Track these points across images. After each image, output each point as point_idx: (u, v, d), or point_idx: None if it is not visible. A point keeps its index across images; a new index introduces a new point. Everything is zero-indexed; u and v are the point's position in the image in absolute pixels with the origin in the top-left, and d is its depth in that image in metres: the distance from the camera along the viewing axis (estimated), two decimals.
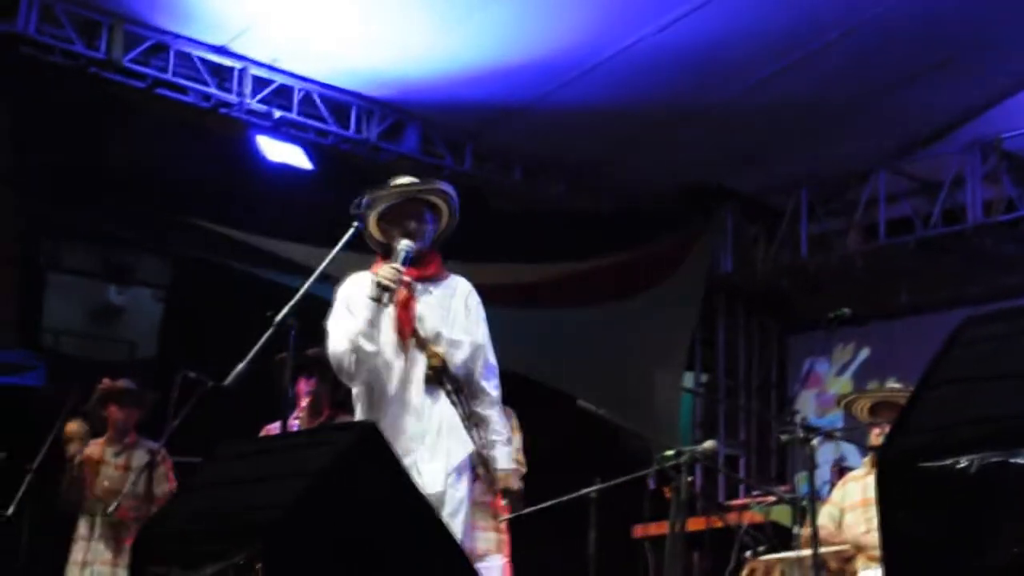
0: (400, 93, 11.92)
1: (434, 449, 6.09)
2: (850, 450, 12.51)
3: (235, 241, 11.52)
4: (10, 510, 8.36)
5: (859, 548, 8.05)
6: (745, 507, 9.76)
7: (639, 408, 12.64)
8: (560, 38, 11.14)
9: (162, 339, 12.03)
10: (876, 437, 8.17)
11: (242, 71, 11.37)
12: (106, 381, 9.22)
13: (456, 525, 6.07)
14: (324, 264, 6.22)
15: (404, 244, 6.13)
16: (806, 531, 7.75)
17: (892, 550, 3.58)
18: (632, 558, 9.31)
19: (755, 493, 10.25)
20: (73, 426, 8.98)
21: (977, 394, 3.58)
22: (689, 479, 7.91)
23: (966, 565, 3.38)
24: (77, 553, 9.03)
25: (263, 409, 7.36)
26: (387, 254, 6.26)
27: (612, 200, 13.78)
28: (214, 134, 11.63)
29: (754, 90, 11.88)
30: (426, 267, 6.31)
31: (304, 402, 8.13)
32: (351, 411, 7.19)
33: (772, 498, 9.44)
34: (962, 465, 3.37)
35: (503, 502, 6.40)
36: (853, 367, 14.09)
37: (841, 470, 9.49)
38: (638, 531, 10.03)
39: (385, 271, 6.05)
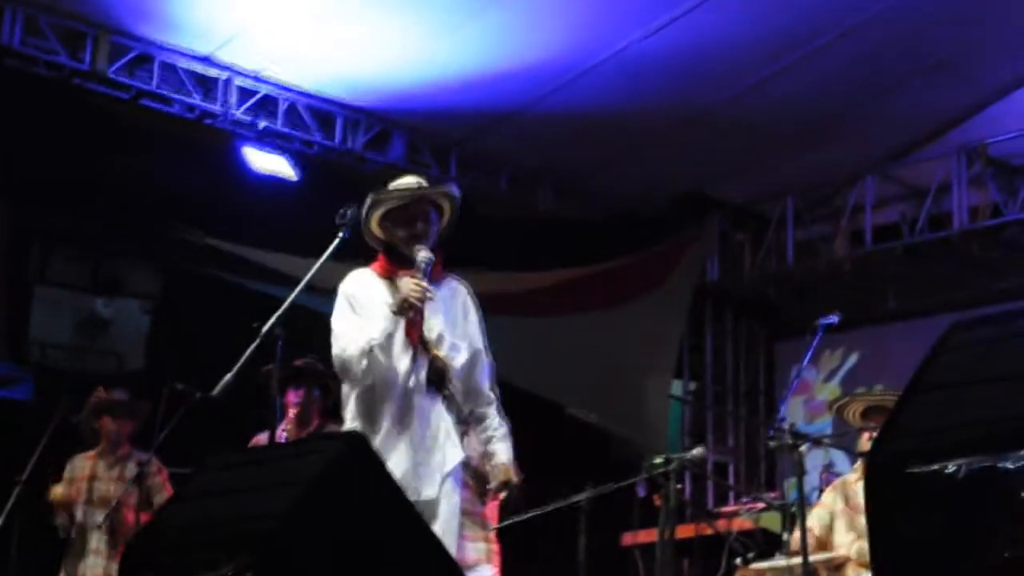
0: (385, 102, 11.92)
1: (431, 453, 6.09)
2: (839, 456, 12.52)
3: (221, 252, 11.51)
4: None
5: (848, 556, 8.05)
6: (734, 514, 9.77)
7: (628, 416, 12.64)
8: (546, 45, 11.15)
9: (149, 351, 12.00)
10: (866, 442, 8.18)
11: (227, 81, 11.37)
12: (99, 392, 9.21)
13: (451, 531, 6.08)
14: (310, 274, 6.21)
15: (424, 256, 6.09)
16: (795, 537, 7.74)
17: (881, 556, 3.59)
18: (622, 566, 9.32)
19: (744, 500, 10.26)
20: (58, 492, 8.99)
21: (965, 399, 3.59)
22: (678, 486, 7.92)
23: (956, 570, 3.38)
24: (71, 567, 9.01)
25: (252, 420, 7.36)
26: (388, 252, 6.24)
27: (599, 208, 13.79)
28: (199, 145, 11.62)
29: (740, 97, 11.89)
30: (435, 272, 6.31)
31: (292, 413, 8.13)
32: (340, 421, 7.18)
33: (761, 505, 9.45)
34: (951, 470, 3.37)
35: (502, 496, 6.38)
36: (841, 373, 14.11)
37: (830, 475, 9.49)
38: (627, 539, 10.03)
39: (410, 288, 5.99)
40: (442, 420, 6.16)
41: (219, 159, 11.65)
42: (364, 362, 6.04)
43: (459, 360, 6.24)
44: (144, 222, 11.39)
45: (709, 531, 9.18)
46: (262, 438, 7.54)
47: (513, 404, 7.64)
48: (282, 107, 11.71)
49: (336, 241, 6.19)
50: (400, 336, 6.06)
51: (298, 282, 6.22)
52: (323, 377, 8.03)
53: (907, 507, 3.49)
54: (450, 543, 6.05)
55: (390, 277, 6.20)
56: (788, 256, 14.01)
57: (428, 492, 6.01)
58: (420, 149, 12.47)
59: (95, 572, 8.93)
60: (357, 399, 6.17)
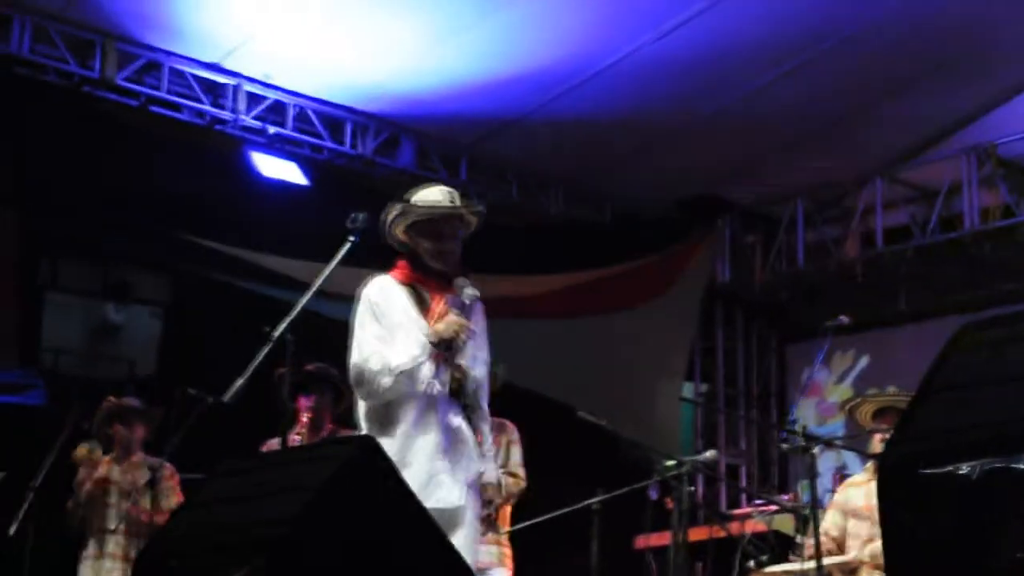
0: (395, 107, 11.92)
1: (456, 461, 6.09)
2: (851, 458, 12.51)
3: (232, 257, 11.52)
4: (12, 529, 8.35)
5: (862, 559, 8.04)
6: (747, 516, 9.74)
7: (640, 419, 12.64)
8: (554, 50, 11.15)
9: (161, 356, 12.02)
10: (878, 443, 8.17)
11: (236, 87, 11.39)
12: (111, 399, 9.22)
13: (474, 538, 6.10)
14: (321, 279, 6.20)
15: (470, 293, 6.10)
16: (809, 540, 7.73)
17: (894, 556, 3.58)
18: (635, 569, 9.29)
19: (757, 502, 10.24)
20: (82, 450, 9.00)
21: (976, 400, 3.58)
22: (691, 489, 7.91)
23: (968, 570, 3.37)
24: (86, 572, 9.02)
25: (263, 425, 7.36)
26: (411, 260, 6.23)
27: (609, 211, 13.79)
28: (209, 151, 11.63)
29: (749, 99, 11.89)
30: (454, 279, 6.31)
31: (305, 417, 8.12)
32: (352, 426, 7.17)
33: (774, 507, 9.43)
34: (963, 471, 3.37)
35: (484, 512, 6.38)
36: (853, 375, 14.09)
37: (843, 478, 9.48)
38: (640, 542, 10.00)
39: (455, 328, 6.00)
40: (463, 428, 6.17)
41: (229, 165, 11.67)
42: (386, 381, 6.01)
43: (479, 370, 6.26)
44: (154, 228, 11.40)
45: (722, 534, 9.15)
46: (274, 443, 7.55)
47: (524, 407, 7.66)
48: (291, 113, 11.72)
49: (346, 246, 6.19)
50: (419, 337, 6.06)
51: (308, 287, 6.21)
52: (335, 382, 8.04)
53: (920, 508, 3.48)
54: (471, 551, 6.06)
55: (412, 284, 6.20)
56: (799, 258, 14.00)
57: (455, 499, 6.02)
58: (429, 154, 12.47)
59: (111, 575, 8.94)
60: (375, 406, 6.16)
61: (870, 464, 8.52)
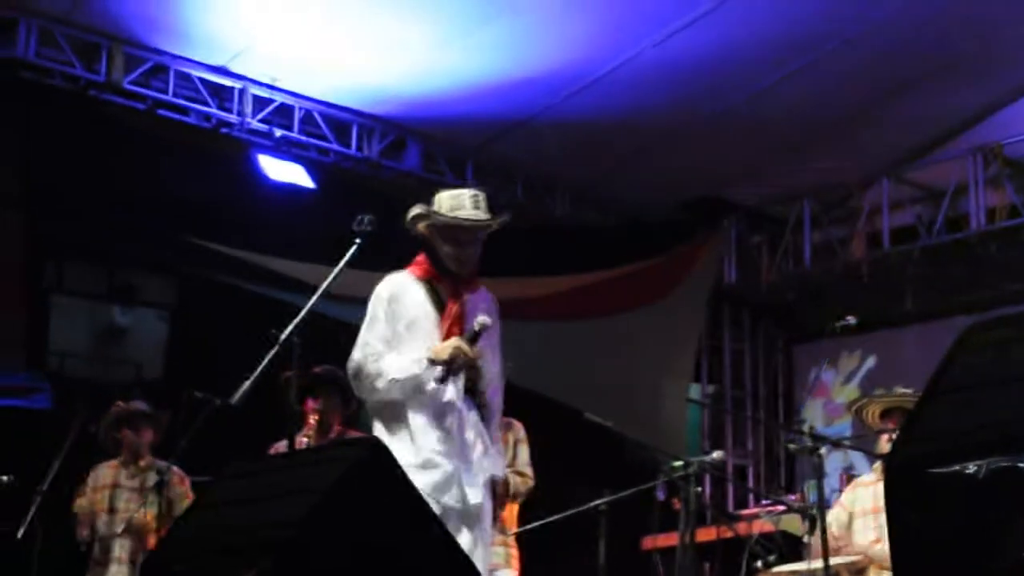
0: (401, 110, 11.93)
1: (472, 460, 6.10)
2: (858, 458, 12.51)
3: (238, 260, 11.52)
4: (20, 532, 8.35)
5: (870, 559, 8.04)
6: (755, 517, 9.76)
7: (646, 420, 12.64)
8: (560, 53, 11.15)
9: (168, 359, 12.03)
10: (885, 444, 8.18)
11: (242, 91, 11.40)
12: (119, 404, 9.22)
13: (488, 537, 6.13)
14: (327, 282, 6.21)
15: (482, 320, 6.11)
16: (816, 540, 7.73)
17: (901, 556, 3.59)
18: (642, 570, 9.32)
19: (764, 502, 10.25)
20: (82, 504, 9.01)
21: (983, 399, 3.59)
22: (698, 489, 7.92)
23: (975, 570, 3.38)
24: None
25: (271, 427, 7.36)
26: (430, 254, 6.24)
27: (615, 213, 13.80)
28: (215, 154, 11.65)
29: (755, 100, 11.89)
30: (471, 281, 6.32)
31: (313, 420, 8.12)
32: (361, 428, 7.19)
33: (782, 507, 9.44)
34: (970, 470, 3.37)
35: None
36: (859, 375, 14.09)
37: (850, 478, 9.47)
38: (647, 543, 10.02)
39: (452, 353, 5.99)
40: (479, 428, 6.18)
41: (235, 168, 11.68)
42: (380, 384, 6.06)
43: (492, 369, 6.27)
44: (161, 231, 11.41)
45: (729, 534, 9.16)
46: (281, 446, 7.55)
47: (531, 409, 7.66)
48: (298, 116, 11.73)
49: (353, 248, 6.20)
50: (436, 335, 6.06)
51: (315, 290, 6.22)
52: (343, 384, 8.03)
53: (926, 508, 3.49)
54: (488, 550, 6.08)
55: (429, 280, 6.22)
56: (805, 259, 14.00)
57: (473, 498, 6.04)
58: (435, 157, 12.48)
59: None
60: (385, 408, 6.17)
61: (878, 464, 8.52)
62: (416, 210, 6.20)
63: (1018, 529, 3.29)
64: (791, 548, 8.47)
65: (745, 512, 10.94)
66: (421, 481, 5.80)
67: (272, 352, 6.00)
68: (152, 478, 9.08)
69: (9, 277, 11.31)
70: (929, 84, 11.95)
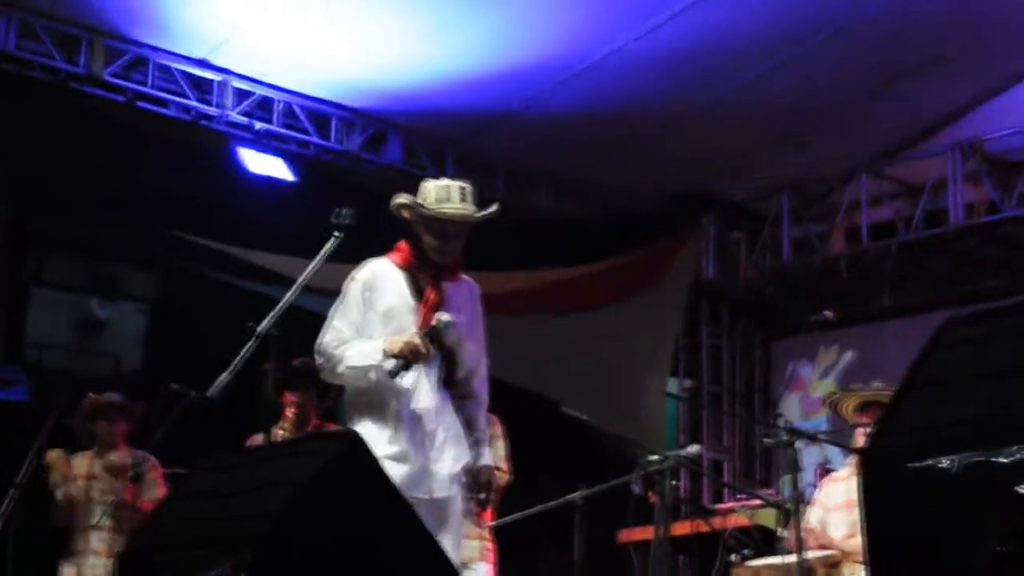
0: (381, 103, 11.93)
1: (443, 451, 6.10)
2: (834, 453, 12.52)
3: (218, 253, 11.51)
4: None
5: (844, 553, 8.06)
6: (730, 511, 9.77)
7: (624, 414, 12.64)
8: (542, 45, 11.15)
9: (146, 352, 12.01)
10: (860, 438, 8.20)
11: (222, 83, 11.38)
12: (91, 396, 9.20)
13: (459, 531, 6.15)
14: (306, 274, 6.21)
15: (445, 320, 6.09)
16: (791, 534, 7.75)
17: (876, 551, 3.60)
18: (618, 563, 9.32)
19: (740, 497, 10.27)
20: (52, 455, 8.98)
21: (959, 394, 3.59)
22: (674, 484, 7.92)
23: (950, 564, 3.39)
24: (70, 567, 9.01)
25: (248, 420, 7.36)
26: (412, 242, 6.24)
27: (595, 208, 13.80)
28: (195, 147, 11.63)
29: (735, 95, 11.90)
30: (453, 271, 6.32)
31: (290, 413, 8.12)
32: (338, 422, 7.18)
33: (757, 501, 9.46)
34: (945, 465, 3.38)
35: (481, 496, 6.37)
36: (837, 370, 14.11)
37: (825, 472, 9.50)
38: (623, 536, 10.02)
39: (402, 348, 5.97)
40: (453, 419, 6.18)
41: (215, 161, 11.67)
42: (340, 368, 6.09)
43: (470, 360, 6.27)
44: (140, 223, 11.39)
45: (705, 528, 9.18)
46: (258, 438, 7.55)
47: (508, 403, 7.66)
48: (278, 109, 11.72)
49: (332, 242, 6.19)
50: (413, 325, 6.06)
51: (294, 282, 6.22)
52: (320, 376, 8.03)
53: (902, 502, 3.50)
54: (458, 543, 6.09)
55: (409, 268, 6.22)
56: (784, 254, 14.02)
57: (440, 491, 6.04)
58: (416, 150, 12.47)
59: (95, 572, 8.94)
60: (361, 396, 6.17)
61: (851, 459, 8.55)
62: (401, 199, 6.19)
63: (992, 524, 3.30)
64: (766, 542, 8.48)
65: (721, 506, 10.96)
66: (393, 473, 5.80)
67: (250, 345, 6.00)
68: (128, 469, 9.08)
69: None
70: (909, 80, 11.98)
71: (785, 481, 8.08)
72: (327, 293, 6.48)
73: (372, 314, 6.13)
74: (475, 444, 6.28)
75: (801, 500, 7.98)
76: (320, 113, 11.97)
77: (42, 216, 11.37)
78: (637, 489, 8.14)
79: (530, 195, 13.27)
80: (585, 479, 8.76)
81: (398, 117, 12.18)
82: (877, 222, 13.48)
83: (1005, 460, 3.30)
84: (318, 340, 6.18)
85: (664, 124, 12.25)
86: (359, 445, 4.75)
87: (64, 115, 10.99)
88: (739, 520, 9.18)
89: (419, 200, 6.19)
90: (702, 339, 14.98)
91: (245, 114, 11.53)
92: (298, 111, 11.85)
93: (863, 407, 8.32)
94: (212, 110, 11.37)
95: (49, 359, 11.64)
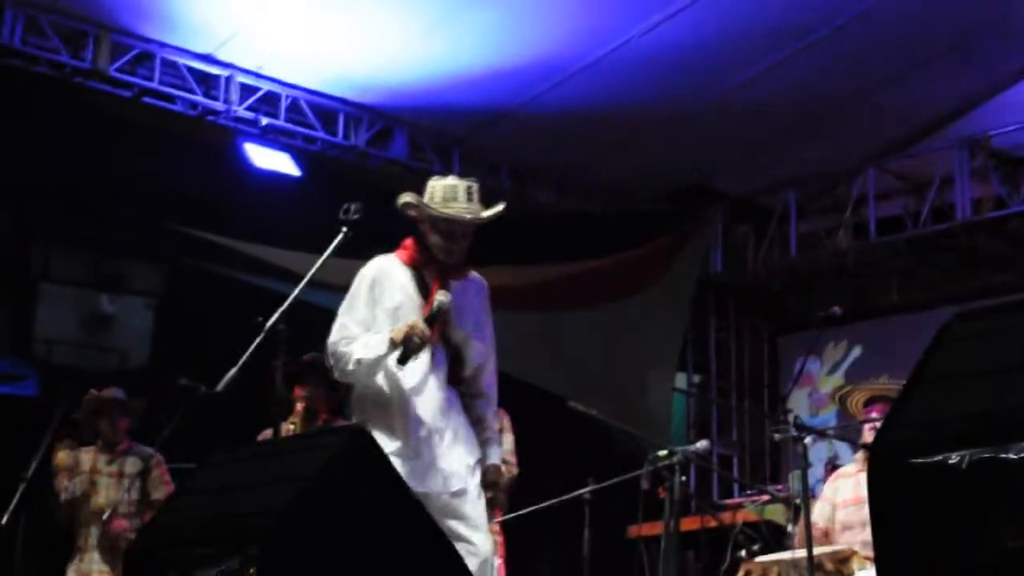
0: (387, 99, 11.92)
1: (452, 447, 6.10)
2: (843, 448, 12.52)
3: (224, 248, 11.52)
4: (3, 519, 8.35)
5: (852, 549, 8.05)
6: (739, 506, 9.78)
7: (632, 409, 12.65)
8: (547, 41, 11.15)
9: (154, 347, 12.02)
10: (869, 434, 8.19)
11: (229, 79, 11.37)
12: (92, 392, 9.21)
13: (481, 520, 6.10)
14: (313, 270, 6.22)
15: (445, 299, 6.11)
16: (800, 530, 7.75)
17: (884, 546, 3.60)
18: (627, 559, 9.32)
19: (749, 492, 10.27)
20: (61, 456, 9.00)
21: (967, 390, 3.59)
22: (683, 479, 7.92)
23: (958, 560, 3.39)
24: (75, 563, 9.03)
25: (257, 415, 7.37)
26: (419, 240, 6.25)
27: (601, 203, 13.79)
28: (201, 142, 11.62)
29: (741, 90, 11.89)
30: (460, 268, 6.32)
31: (300, 408, 8.13)
32: (347, 417, 7.18)
33: (766, 497, 9.46)
34: (953, 460, 3.38)
35: (488, 495, 6.37)
36: (845, 365, 14.11)
37: (834, 468, 9.50)
38: (632, 531, 10.04)
39: (405, 333, 5.99)
40: (462, 418, 6.19)
41: (221, 156, 11.66)
42: (351, 367, 6.09)
43: (477, 357, 6.27)
44: (147, 219, 11.40)
45: (714, 523, 9.18)
46: (268, 434, 7.55)
47: (516, 398, 7.67)
48: (284, 104, 11.71)
49: (339, 237, 6.20)
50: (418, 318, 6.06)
51: (301, 278, 6.23)
52: (331, 373, 8.04)
53: (910, 498, 3.49)
54: (483, 532, 6.07)
55: (415, 265, 6.22)
56: (791, 249, 14.01)
57: (456, 485, 6.04)
58: (422, 146, 12.46)
59: (101, 569, 8.95)
60: (368, 394, 6.17)
61: (859, 455, 8.55)
62: (407, 198, 6.19)
63: (1000, 519, 3.30)
64: (775, 538, 8.48)
65: (730, 502, 10.96)
66: (402, 470, 5.81)
67: (258, 340, 6.01)
68: (131, 463, 9.10)
69: None
70: (916, 75, 11.96)
71: (794, 477, 8.06)
72: (335, 288, 6.49)
73: (380, 311, 6.13)
74: (484, 443, 6.29)
75: (810, 495, 7.97)
76: (326, 109, 11.96)
77: (49, 212, 11.38)
78: (646, 484, 8.14)
79: (535, 191, 13.26)
80: (594, 474, 8.77)
81: (404, 113, 12.17)
82: (884, 217, 13.46)
83: (1014, 456, 3.29)
84: (328, 340, 6.18)
85: (668, 120, 12.24)
86: (366, 439, 4.76)
87: (70, 111, 10.98)
88: (748, 516, 9.19)
89: (425, 199, 6.19)
90: (709, 334, 14.98)
91: (251, 109, 11.52)
92: (304, 107, 11.84)
93: (871, 401, 8.32)
94: (218, 105, 11.36)
95: (57, 355, 11.65)
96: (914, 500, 3.48)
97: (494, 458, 6.32)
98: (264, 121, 11.58)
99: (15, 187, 11.11)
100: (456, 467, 6.08)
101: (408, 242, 6.29)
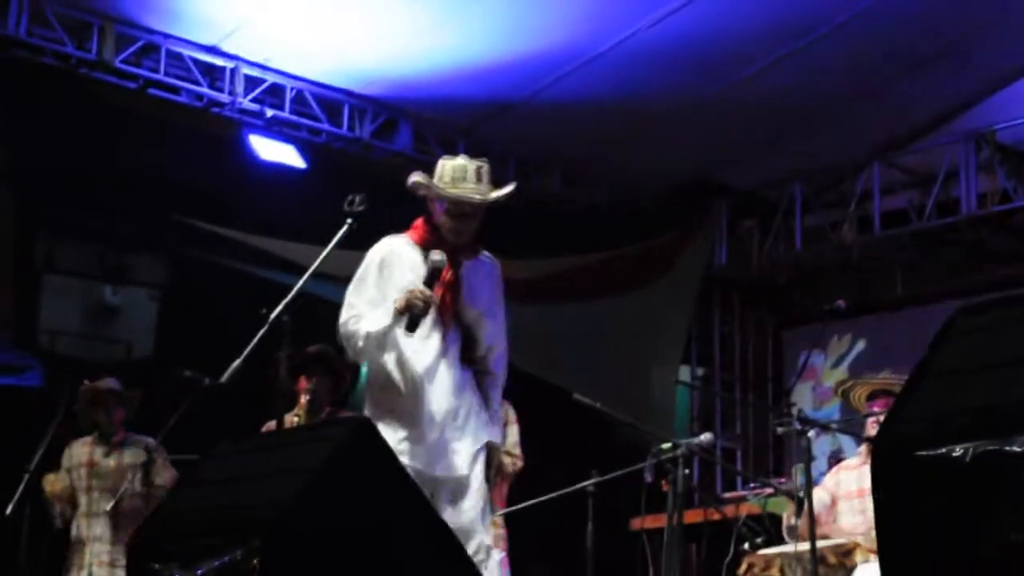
0: (392, 91, 11.92)
1: (464, 429, 6.11)
2: (847, 442, 12.52)
3: (229, 240, 11.53)
4: (8, 510, 8.36)
5: (855, 542, 8.05)
6: (742, 499, 9.77)
7: (636, 402, 12.64)
8: (552, 33, 11.14)
9: (158, 338, 12.03)
10: (872, 427, 8.18)
11: (234, 70, 11.38)
12: (87, 383, 9.20)
13: (480, 509, 6.10)
14: (318, 261, 6.22)
15: (436, 257, 6.11)
16: (803, 523, 7.74)
17: (887, 539, 3.60)
18: (630, 551, 9.31)
19: (752, 485, 10.26)
20: (55, 485, 9.00)
21: (971, 383, 3.59)
22: (686, 472, 7.92)
23: (962, 553, 3.39)
24: (75, 555, 9.04)
25: (261, 407, 7.37)
26: (428, 220, 6.25)
27: (606, 196, 13.79)
28: (206, 133, 11.63)
29: (747, 83, 11.88)
30: (471, 248, 6.32)
31: (304, 399, 8.13)
32: (352, 408, 7.18)
33: (769, 490, 9.45)
34: (957, 453, 3.38)
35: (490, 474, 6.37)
36: (849, 359, 14.09)
37: (838, 461, 9.49)
38: (635, 524, 10.03)
39: (408, 298, 5.98)
40: (474, 397, 6.19)
41: (226, 147, 11.67)
42: (360, 344, 6.09)
43: (489, 337, 6.28)
44: (152, 210, 11.41)
45: (717, 516, 9.18)
46: (272, 425, 7.56)
47: (520, 390, 7.67)
48: (289, 96, 11.72)
49: (343, 229, 6.21)
50: (399, 329, 6.06)
51: (306, 269, 6.23)
52: (335, 365, 8.05)
53: (914, 491, 3.49)
54: (480, 521, 6.07)
55: (425, 246, 6.22)
56: (796, 243, 13.99)
57: (461, 469, 6.05)
58: (427, 137, 12.46)
59: (100, 559, 8.96)
60: (380, 375, 6.17)
61: (862, 448, 8.54)
62: (417, 177, 6.18)
63: (1003, 513, 3.30)
64: (778, 531, 8.48)
65: (733, 495, 10.96)
66: (411, 453, 5.83)
67: (262, 332, 6.02)
68: (128, 453, 9.11)
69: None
70: (922, 69, 11.96)
71: (797, 470, 8.05)
72: (339, 280, 6.49)
73: (390, 290, 6.12)
74: (487, 422, 6.29)
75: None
76: (331, 100, 11.97)
77: (54, 203, 11.39)
78: (649, 477, 8.13)
79: (540, 183, 13.25)
80: (597, 467, 8.77)
81: (409, 104, 12.17)
82: (889, 211, 13.44)
83: (1018, 449, 3.29)
84: (339, 321, 6.19)
85: (674, 113, 12.22)
86: (370, 431, 4.76)
87: (75, 102, 10.99)
88: (751, 508, 9.17)
89: (435, 179, 6.20)
90: (714, 327, 14.97)
91: (256, 101, 11.52)
92: (309, 98, 11.84)
93: (874, 395, 8.32)
94: (223, 97, 11.37)
95: (61, 346, 11.67)
96: (918, 493, 3.48)
97: (495, 438, 6.31)
98: (269, 113, 11.59)
99: (20, 178, 11.12)
100: (464, 452, 6.08)
101: (418, 222, 6.30)
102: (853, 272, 13.72)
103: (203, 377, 7.39)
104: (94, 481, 9.09)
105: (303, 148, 11.96)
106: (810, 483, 7.68)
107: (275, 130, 11.76)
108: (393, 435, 5.87)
